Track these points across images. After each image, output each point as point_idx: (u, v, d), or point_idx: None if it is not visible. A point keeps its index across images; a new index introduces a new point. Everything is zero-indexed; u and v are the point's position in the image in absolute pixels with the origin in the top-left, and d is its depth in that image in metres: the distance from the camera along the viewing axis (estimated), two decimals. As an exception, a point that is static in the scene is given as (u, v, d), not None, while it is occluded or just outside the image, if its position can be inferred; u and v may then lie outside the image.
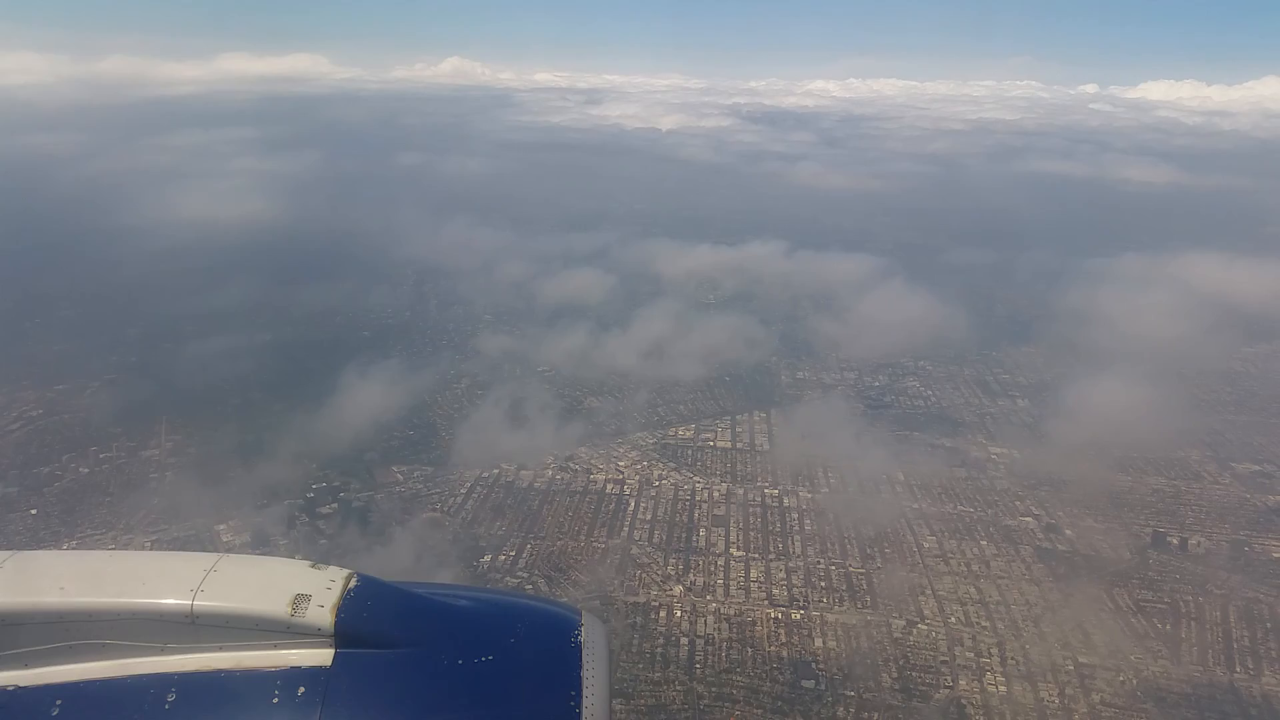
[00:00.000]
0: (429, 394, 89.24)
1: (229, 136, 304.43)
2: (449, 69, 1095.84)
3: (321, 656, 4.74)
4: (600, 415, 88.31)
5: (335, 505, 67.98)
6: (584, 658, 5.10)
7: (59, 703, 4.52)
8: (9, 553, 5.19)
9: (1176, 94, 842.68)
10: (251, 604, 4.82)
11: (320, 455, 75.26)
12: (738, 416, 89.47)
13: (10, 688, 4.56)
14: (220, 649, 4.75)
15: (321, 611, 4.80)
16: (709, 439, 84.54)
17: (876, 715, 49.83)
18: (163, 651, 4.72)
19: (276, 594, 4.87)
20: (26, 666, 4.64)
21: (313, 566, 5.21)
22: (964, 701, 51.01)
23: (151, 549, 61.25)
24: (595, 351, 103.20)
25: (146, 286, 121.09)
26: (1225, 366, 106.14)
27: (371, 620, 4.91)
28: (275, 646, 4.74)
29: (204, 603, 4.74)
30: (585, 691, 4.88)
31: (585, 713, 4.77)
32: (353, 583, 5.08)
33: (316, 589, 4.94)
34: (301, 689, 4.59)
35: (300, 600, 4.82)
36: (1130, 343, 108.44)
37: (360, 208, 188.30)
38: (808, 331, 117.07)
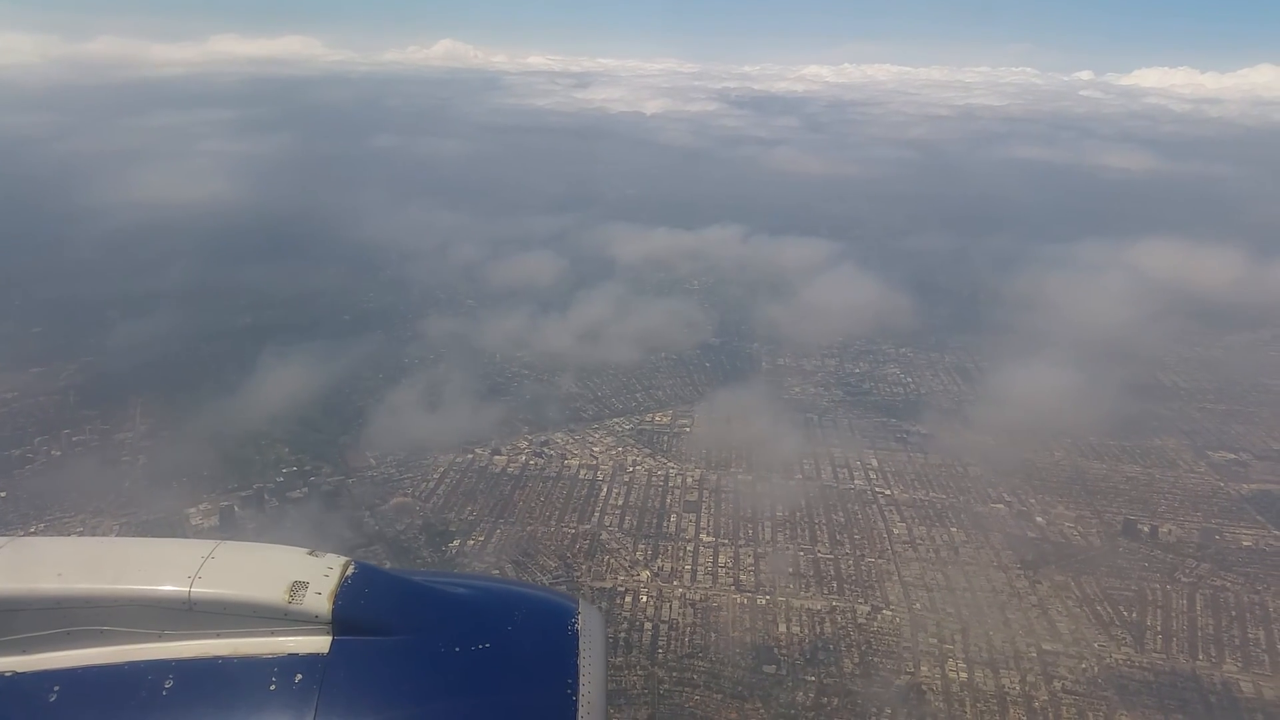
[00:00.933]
0: (405, 378, 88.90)
1: (206, 118, 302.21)
2: (441, 51, 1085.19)
3: (319, 643, 4.75)
4: (578, 400, 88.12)
5: (305, 489, 67.79)
6: (581, 646, 5.13)
7: (56, 688, 4.54)
8: (7, 538, 5.20)
9: (1170, 81, 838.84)
10: (249, 591, 4.83)
11: (293, 439, 75.22)
12: (716, 402, 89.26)
13: (8, 674, 4.57)
14: (218, 636, 4.76)
15: (319, 599, 4.81)
16: (684, 425, 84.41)
17: (836, 700, 49.93)
18: (160, 638, 4.73)
19: (274, 581, 4.87)
20: (24, 652, 4.64)
21: (310, 554, 5.21)
22: (924, 687, 51.09)
23: (119, 533, 61.25)
24: (546, 334, 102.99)
25: (98, 268, 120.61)
26: (1206, 355, 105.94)
27: (369, 608, 4.92)
28: (273, 633, 4.75)
29: (201, 590, 4.75)
30: (582, 679, 4.90)
31: (582, 700, 4.80)
32: (350, 570, 5.08)
33: (314, 576, 4.95)
34: (299, 676, 4.60)
35: (298, 587, 4.83)
36: (1092, 331, 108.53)
37: (324, 190, 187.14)
38: (755, 316, 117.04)
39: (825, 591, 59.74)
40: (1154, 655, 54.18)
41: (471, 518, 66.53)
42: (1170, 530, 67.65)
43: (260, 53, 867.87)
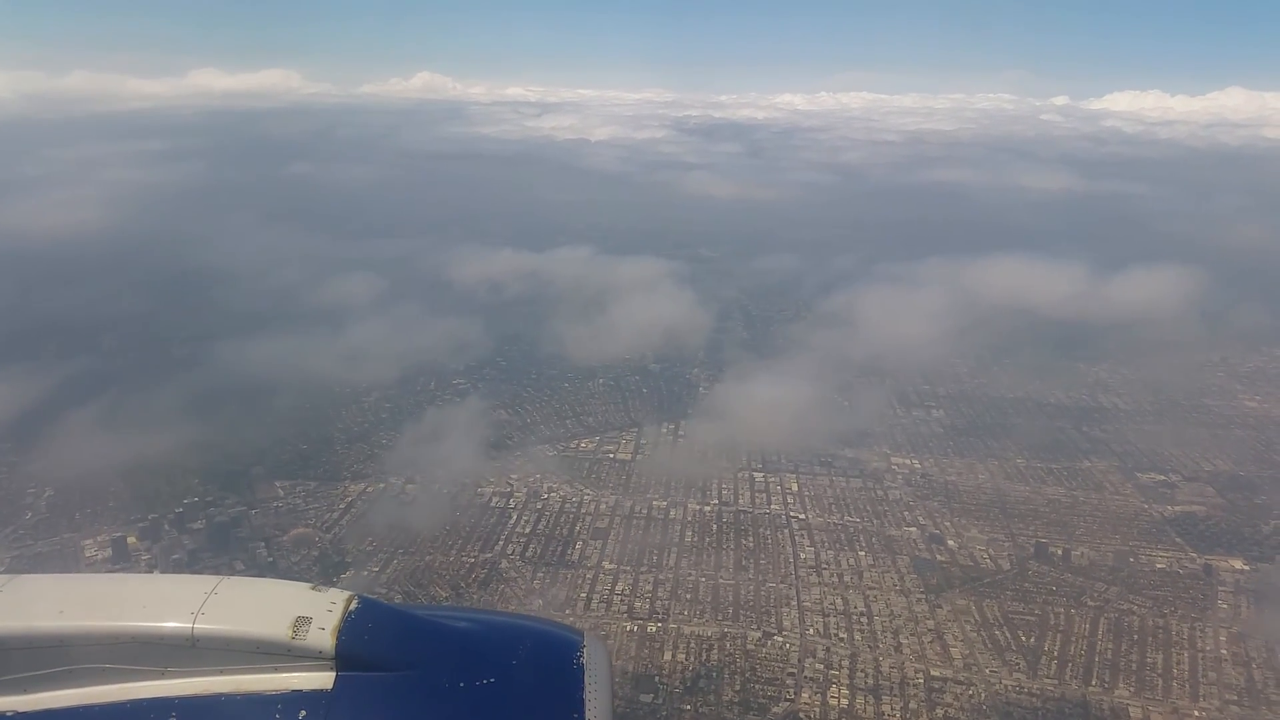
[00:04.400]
0: (327, 407, 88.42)
1: (133, 149, 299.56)
2: (419, 84, 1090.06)
3: (323, 679, 4.72)
4: (506, 428, 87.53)
5: (202, 521, 67.04)
6: (586, 679, 5.09)
7: None
8: (8, 576, 5.16)
9: (1140, 105, 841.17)
10: (252, 627, 4.78)
11: (203, 469, 74.57)
12: (644, 429, 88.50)
13: (9, 714, 4.54)
14: (221, 672, 4.71)
15: (322, 634, 4.77)
16: (610, 451, 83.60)
17: (708, 730, 48.62)
18: (163, 675, 4.69)
19: (277, 617, 4.83)
20: (25, 692, 4.59)
21: (314, 589, 5.19)
22: (802, 715, 49.81)
23: (11, 566, 60.57)
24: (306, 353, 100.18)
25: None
26: (1148, 376, 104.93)
27: (373, 643, 4.88)
28: (276, 669, 4.72)
29: (205, 626, 4.71)
30: (588, 713, 4.86)
31: None
32: (354, 605, 5.04)
33: (317, 611, 4.91)
34: (303, 712, 4.57)
35: (301, 623, 4.79)
36: (871, 347, 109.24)
37: (195, 216, 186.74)
38: (539, 334, 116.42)
39: (719, 618, 58.55)
40: (1045, 681, 52.77)
41: (370, 548, 65.68)
42: (1083, 553, 66.31)
43: (238, 87, 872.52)
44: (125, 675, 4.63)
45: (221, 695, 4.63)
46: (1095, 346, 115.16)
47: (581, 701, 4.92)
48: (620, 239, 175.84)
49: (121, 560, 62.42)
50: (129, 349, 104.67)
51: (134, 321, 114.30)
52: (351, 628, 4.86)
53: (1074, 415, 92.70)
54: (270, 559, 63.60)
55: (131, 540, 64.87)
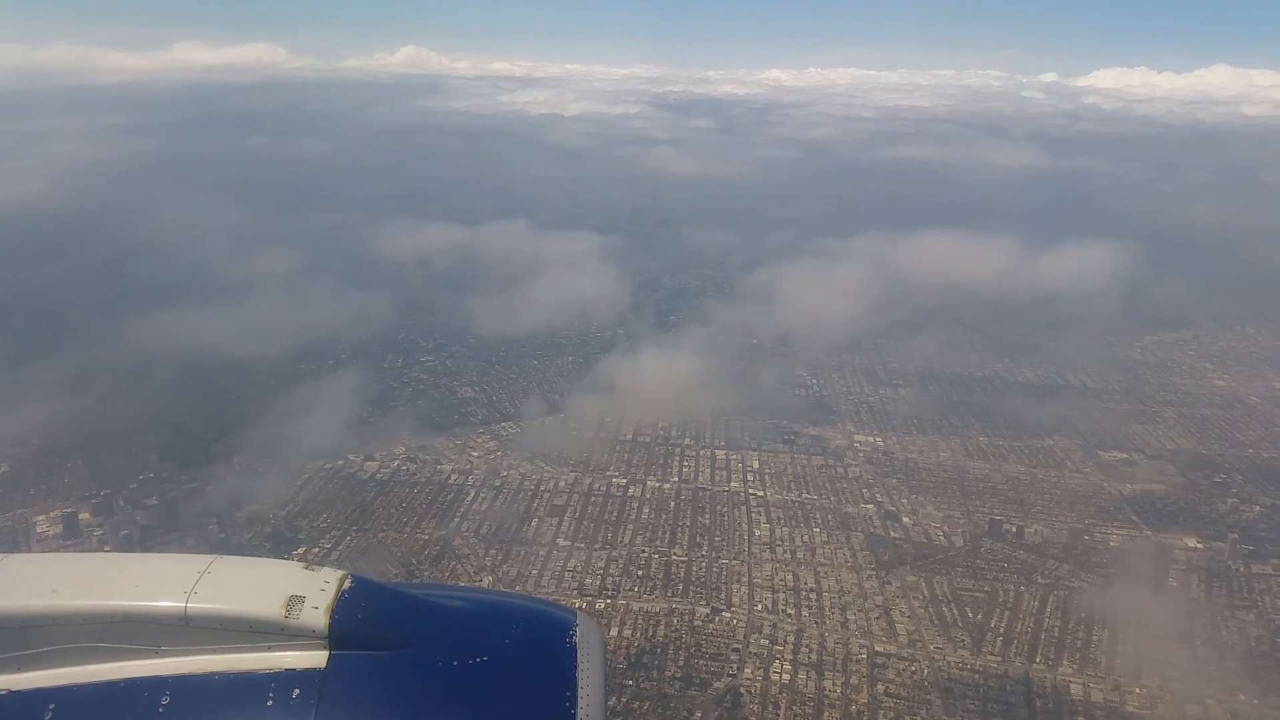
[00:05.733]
0: (287, 385, 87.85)
1: (95, 123, 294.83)
2: (403, 58, 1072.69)
3: (316, 658, 4.71)
4: (469, 405, 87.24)
5: (155, 498, 66.75)
6: (579, 658, 5.11)
7: (52, 706, 4.49)
8: (1, 555, 5.17)
9: (1126, 81, 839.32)
10: (245, 606, 4.77)
11: (163, 446, 74.23)
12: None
13: (2, 692, 4.53)
14: (214, 651, 4.72)
15: (315, 613, 4.75)
16: (574, 429, 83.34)
17: (647, 704, 48.73)
18: (156, 654, 4.69)
19: (270, 595, 4.81)
20: (19, 670, 4.59)
21: (306, 568, 5.16)
22: (742, 690, 49.95)
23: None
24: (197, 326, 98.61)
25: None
26: (1120, 355, 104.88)
27: (366, 622, 4.87)
28: (270, 648, 4.72)
29: (198, 604, 4.69)
30: (580, 692, 4.89)
31: (580, 713, 4.79)
32: (347, 584, 5.02)
33: (310, 590, 4.89)
34: (296, 691, 4.58)
35: (294, 602, 4.77)
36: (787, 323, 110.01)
37: (134, 190, 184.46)
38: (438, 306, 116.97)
39: (669, 594, 58.62)
40: (989, 658, 52.97)
41: (324, 525, 65.47)
42: (1037, 530, 66.42)
43: (221, 60, 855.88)
44: (118, 654, 4.66)
45: (215, 674, 4.65)
46: (1012, 324, 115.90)
47: (574, 680, 4.95)
48: (561, 214, 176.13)
49: (73, 536, 62.28)
50: (34, 324, 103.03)
51: (39, 295, 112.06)
52: (345, 607, 4.84)
53: (1041, 394, 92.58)
54: (222, 535, 63.41)
55: (84, 516, 64.57)
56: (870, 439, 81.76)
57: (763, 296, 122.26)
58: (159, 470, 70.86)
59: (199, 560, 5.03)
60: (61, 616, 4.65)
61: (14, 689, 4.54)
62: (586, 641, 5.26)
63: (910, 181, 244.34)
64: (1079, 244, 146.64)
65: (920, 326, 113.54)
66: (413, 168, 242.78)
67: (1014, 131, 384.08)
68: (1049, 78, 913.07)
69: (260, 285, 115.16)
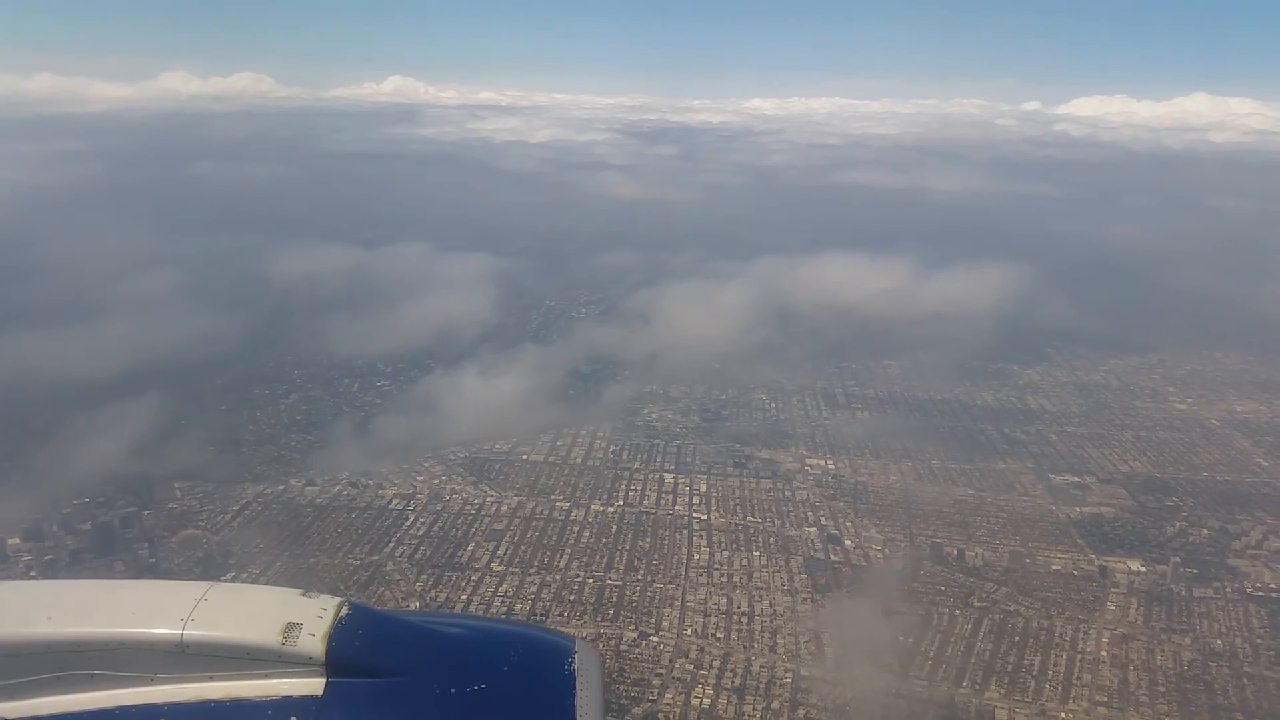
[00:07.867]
0: (234, 409, 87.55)
1: (53, 149, 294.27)
2: (390, 88, 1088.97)
3: (313, 686, 4.69)
4: (415, 430, 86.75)
5: (89, 523, 66.10)
6: (578, 686, 5.04)
7: None
8: None
9: (1105, 109, 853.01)
10: (242, 633, 4.75)
11: (101, 471, 73.62)
12: (563, 430, 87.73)
13: None
14: (211, 679, 4.69)
15: (313, 640, 4.73)
16: (524, 453, 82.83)
17: (561, 731, 47.69)
18: (153, 682, 4.66)
19: (267, 623, 4.80)
20: (13, 698, 4.54)
21: (304, 595, 5.13)
22: (662, 716, 49.04)
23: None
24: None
25: None
26: (1076, 378, 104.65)
27: (363, 649, 4.84)
28: (266, 676, 4.69)
29: (194, 632, 4.67)
30: (580, 719, 4.85)
31: None
32: (344, 611, 5.01)
33: (307, 618, 4.87)
34: (293, 718, 4.55)
35: (291, 629, 4.75)
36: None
37: (50, 215, 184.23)
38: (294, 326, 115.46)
39: (598, 618, 57.78)
40: (915, 682, 52.06)
41: (257, 550, 64.76)
42: (978, 554, 65.65)
43: (208, 90, 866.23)
44: (114, 681, 4.61)
45: (211, 702, 4.62)
46: (893, 339, 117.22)
47: (573, 708, 4.90)
48: (470, 236, 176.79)
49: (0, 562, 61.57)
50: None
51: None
52: (341, 634, 4.81)
53: (995, 418, 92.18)
54: (153, 560, 62.67)
55: (13, 541, 63.86)
56: (821, 463, 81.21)
57: (638, 316, 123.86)
58: (95, 495, 70.22)
59: (196, 587, 5.01)
60: (56, 643, 4.60)
61: (9, 717, 4.50)
62: (585, 668, 5.21)
63: (844, 207, 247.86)
64: (967, 265, 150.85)
65: (789, 345, 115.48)
66: (344, 193, 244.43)
67: (972, 158, 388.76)
68: (1032, 106, 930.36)
69: (120, 307, 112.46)
